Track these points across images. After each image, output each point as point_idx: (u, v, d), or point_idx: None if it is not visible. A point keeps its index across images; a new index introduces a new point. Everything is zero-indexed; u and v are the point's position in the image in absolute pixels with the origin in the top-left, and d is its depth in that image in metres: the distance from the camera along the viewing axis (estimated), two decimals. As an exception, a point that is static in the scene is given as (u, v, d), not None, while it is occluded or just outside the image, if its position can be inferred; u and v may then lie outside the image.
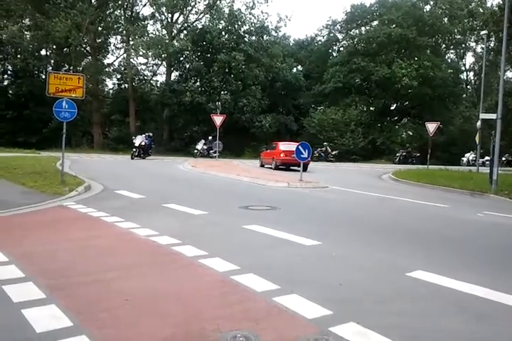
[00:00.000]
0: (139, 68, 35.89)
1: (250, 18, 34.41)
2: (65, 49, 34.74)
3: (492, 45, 32.05)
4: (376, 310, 3.53)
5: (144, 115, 36.67)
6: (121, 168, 18.10)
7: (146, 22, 35.35)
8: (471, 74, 46.23)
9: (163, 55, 33.57)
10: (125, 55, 34.56)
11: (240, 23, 33.78)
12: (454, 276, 4.38)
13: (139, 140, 23.59)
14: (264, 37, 35.37)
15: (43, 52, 35.51)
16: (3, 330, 3.03)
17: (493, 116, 15.96)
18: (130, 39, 33.87)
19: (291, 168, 19.25)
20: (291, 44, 43.53)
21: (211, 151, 27.33)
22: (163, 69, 37.22)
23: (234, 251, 5.27)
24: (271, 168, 20.44)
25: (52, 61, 35.79)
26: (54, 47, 35.04)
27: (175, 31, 35.55)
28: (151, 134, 25.45)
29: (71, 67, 33.91)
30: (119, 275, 4.28)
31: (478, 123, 21.01)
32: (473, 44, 44.12)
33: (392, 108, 40.93)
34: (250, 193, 11.40)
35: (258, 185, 13.17)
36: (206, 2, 34.67)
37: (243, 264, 4.55)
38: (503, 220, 8.72)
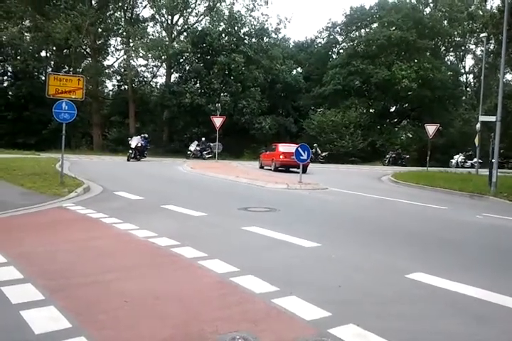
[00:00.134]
0: (139, 70, 36.04)
1: (250, 20, 34.62)
2: (65, 50, 34.77)
3: (492, 47, 32.16)
4: (375, 312, 3.53)
5: (144, 116, 36.69)
6: (121, 170, 18.10)
7: (146, 24, 35.49)
8: (471, 76, 46.34)
9: (163, 57, 33.64)
10: (125, 57, 34.63)
11: (239, 25, 33.90)
12: (453, 278, 4.38)
13: (135, 141, 23.08)
14: (264, 39, 35.50)
15: (43, 53, 35.55)
16: (2, 332, 3.03)
17: (492, 118, 15.98)
18: (130, 41, 33.90)
19: (291, 169, 19.25)
20: (291, 46, 43.63)
21: (204, 153, 27.30)
22: (163, 70, 37.42)
23: (233, 252, 5.26)
24: (270, 169, 20.46)
25: (52, 62, 35.79)
26: (54, 48, 35.07)
27: (175, 33, 35.65)
28: (146, 135, 24.89)
29: (71, 69, 33.97)
30: (118, 277, 4.27)
31: (478, 126, 21.05)
32: (472, 46, 44.29)
33: (391, 110, 41.00)
34: (249, 195, 11.40)
35: (257, 186, 13.17)
36: (206, 4, 34.79)
37: (242, 266, 4.55)
38: (502, 222, 8.73)
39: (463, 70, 45.26)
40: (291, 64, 38.24)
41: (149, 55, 33.16)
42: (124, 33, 34.39)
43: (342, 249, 5.73)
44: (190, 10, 35.15)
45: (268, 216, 8.11)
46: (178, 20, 35.74)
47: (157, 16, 35.28)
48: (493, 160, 13.96)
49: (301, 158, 14.27)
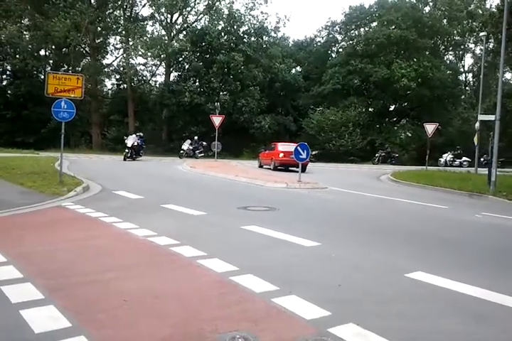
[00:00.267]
0: (138, 68, 35.99)
1: (249, 19, 34.51)
2: (64, 49, 34.73)
3: (491, 46, 32.09)
4: (375, 311, 3.53)
5: (143, 115, 36.65)
6: (120, 169, 18.09)
7: (145, 22, 35.36)
8: (470, 75, 46.26)
9: (162, 56, 33.62)
10: (124, 55, 34.56)
11: (239, 24, 33.84)
12: (453, 277, 4.39)
13: (131, 140, 22.60)
14: (264, 38, 35.42)
15: (42, 52, 35.54)
16: (2, 331, 3.02)
17: (491, 117, 15.96)
18: (129, 39, 33.86)
19: (290, 168, 19.25)
20: (290, 45, 43.59)
21: (197, 152, 27.22)
22: (162, 69, 37.36)
23: (232, 251, 5.26)
24: (270, 168, 20.45)
25: (51, 61, 35.77)
26: (53, 47, 35.02)
27: (174, 32, 35.60)
28: (141, 134, 24.38)
29: (70, 68, 33.90)
30: (117, 276, 4.27)
31: (477, 125, 21.03)
32: (472, 45, 44.21)
33: (390, 109, 40.95)
34: (249, 194, 11.40)
35: (256, 185, 13.17)
36: (206, 3, 34.80)
37: (242, 265, 4.55)
38: (501, 221, 8.74)
39: (462, 69, 45.22)
40: (290, 63, 38.21)
41: (148, 54, 33.15)
42: (124, 32, 34.33)
43: (342, 248, 5.73)
44: (189, 8, 35.15)
45: (267, 215, 8.11)
46: (177, 18, 35.75)
47: (156, 15, 35.28)
48: (493, 159, 13.97)
49: (300, 157, 14.25)
